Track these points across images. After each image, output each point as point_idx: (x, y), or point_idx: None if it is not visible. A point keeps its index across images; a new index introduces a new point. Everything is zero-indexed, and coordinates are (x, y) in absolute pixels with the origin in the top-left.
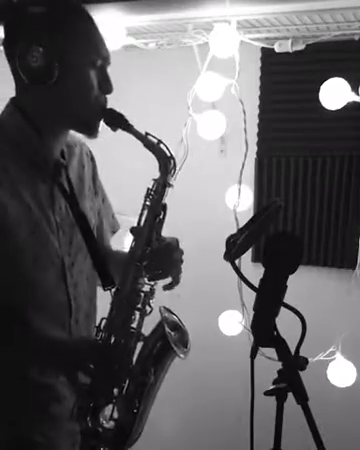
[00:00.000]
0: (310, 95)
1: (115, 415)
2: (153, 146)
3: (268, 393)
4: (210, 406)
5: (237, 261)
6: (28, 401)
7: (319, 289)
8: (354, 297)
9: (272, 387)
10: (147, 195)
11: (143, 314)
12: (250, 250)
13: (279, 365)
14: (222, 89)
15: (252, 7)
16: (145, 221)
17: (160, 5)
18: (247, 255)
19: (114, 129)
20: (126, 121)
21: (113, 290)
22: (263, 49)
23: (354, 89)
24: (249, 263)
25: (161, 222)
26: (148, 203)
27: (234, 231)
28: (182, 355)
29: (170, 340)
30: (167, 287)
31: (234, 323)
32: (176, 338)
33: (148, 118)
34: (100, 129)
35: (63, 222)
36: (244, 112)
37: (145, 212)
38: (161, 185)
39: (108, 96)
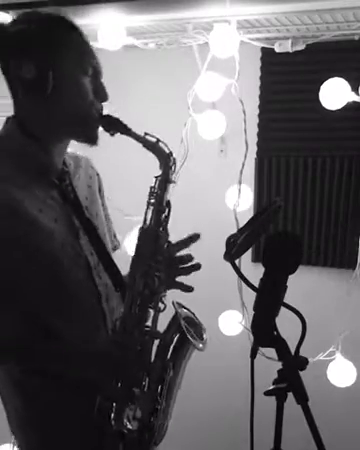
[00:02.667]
0: (310, 95)
1: (138, 415)
2: (152, 146)
3: (268, 393)
4: (210, 406)
5: (237, 261)
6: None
7: (319, 289)
8: (354, 297)
9: (272, 387)
10: (150, 193)
11: (157, 311)
12: (250, 250)
13: (279, 365)
14: (222, 89)
15: (252, 7)
16: (151, 219)
17: (160, 5)
18: (247, 255)
19: (112, 134)
20: (124, 125)
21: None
22: (263, 49)
23: (354, 89)
24: (249, 263)
25: (166, 219)
26: (152, 201)
27: (234, 231)
28: (201, 345)
29: (187, 333)
30: (188, 288)
31: (234, 323)
32: (192, 331)
33: (148, 118)
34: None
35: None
36: (244, 112)
37: (150, 210)
38: (163, 182)
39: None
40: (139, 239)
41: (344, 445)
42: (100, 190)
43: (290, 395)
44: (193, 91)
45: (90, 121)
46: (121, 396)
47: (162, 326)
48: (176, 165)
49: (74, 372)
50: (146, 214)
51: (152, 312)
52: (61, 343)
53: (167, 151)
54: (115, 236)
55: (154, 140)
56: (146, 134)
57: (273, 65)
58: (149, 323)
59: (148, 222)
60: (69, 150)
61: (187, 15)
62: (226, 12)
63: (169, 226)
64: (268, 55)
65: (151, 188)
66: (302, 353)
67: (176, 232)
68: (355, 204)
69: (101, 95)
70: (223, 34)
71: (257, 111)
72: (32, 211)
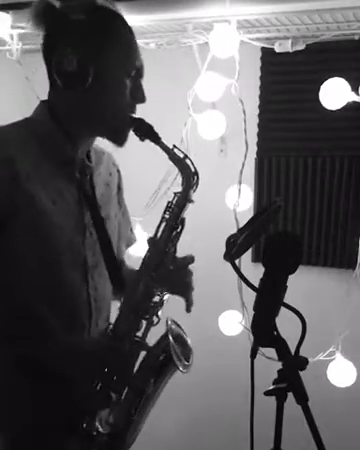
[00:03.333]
0: (310, 95)
1: (111, 420)
2: (179, 161)
3: (268, 393)
4: (210, 406)
5: (237, 261)
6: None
7: (319, 289)
8: (354, 297)
9: (272, 387)
10: (167, 208)
11: (150, 324)
12: (250, 250)
13: (279, 365)
14: (222, 89)
15: (252, 7)
16: (162, 233)
17: (160, 5)
18: (247, 255)
19: (143, 139)
20: (155, 133)
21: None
22: (263, 49)
23: (354, 89)
24: (249, 263)
25: (178, 235)
26: (167, 216)
27: (234, 231)
28: (182, 369)
29: (173, 354)
30: (187, 309)
31: (234, 323)
32: (179, 351)
33: (148, 118)
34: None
35: (90, 223)
36: (244, 112)
37: (163, 224)
38: (182, 199)
39: None
40: (148, 250)
41: (344, 445)
42: (119, 187)
43: (290, 395)
44: (193, 91)
45: (122, 122)
46: (97, 399)
47: (151, 342)
48: (198, 184)
49: (58, 367)
50: (159, 227)
51: (145, 324)
52: (52, 337)
53: (193, 170)
54: (131, 230)
55: (182, 155)
56: (175, 147)
57: (273, 65)
58: (140, 334)
59: (159, 235)
60: None
61: (187, 15)
62: (226, 12)
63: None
64: (268, 55)
65: (168, 203)
66: (302, 353)
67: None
68: (355, 204)
69: (138, 96)
70: (223, 34)
71: (257, 111)
72: (45, 202)
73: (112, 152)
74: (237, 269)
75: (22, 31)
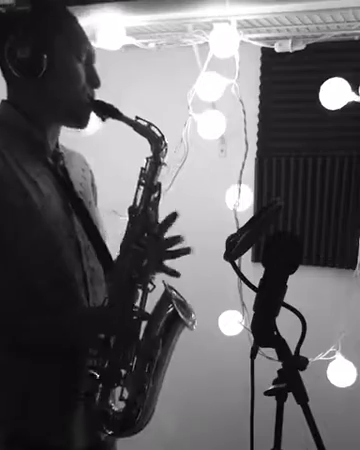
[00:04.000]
0: (310, 95)
1: (124, 396)
2: (144, 129)
3: (268, 393)
4: (210, 406)
5: (237, 261)
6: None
7: (319, 289)
8: (354, 297)
9: (272, 387)
10: (141, 174)
11: (145, 291)
12: (250, 250)
13: (279, 365)
14: (222, 89)
15: (252, 7)
16: (141, 199)
17: (160, 5)
18: (247, 255)
19: (104, 119)
20: (115, 109)
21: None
22: (263, 49)
23: (354, 89)
24: (249, 263)
25: (157, 200)
26: (143, 181)
27: (234, 231)
28: (190, 323)
29: (177, 310)
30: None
31: (234, 323)
32: (182, 309)
33: (148, 118)
34: (90, 121)
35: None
36: (244, 112)
37: (140, 191)
38: (154, 164)
39: (107, 96)
40: (129, 220)
41: (344, 445)
42: (93, 186)
43: (290, 395)
44: (193, 91)
45: (81, 105)
46: (107, 377)
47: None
48: (167, 149)
49: (68, 336)
50: (136, 194)
51: (141, 293)
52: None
53: (159, 134)
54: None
55: (145, 124)
56: (137, 118)
57: (273, 65)
58: (137, 304)
59: (138, 202)
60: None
61: (187, 15)
62: (226, 12)
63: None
64: (268, 55)
65: (142, 169)
66: (302, 353)
67: (176, 232)
68: (355, 204)
69: (93, 81)
70: (223, 34)
71: (257, 111)
72: (27, 183)
73: (102, 153)
74: (237, 269)
75: None
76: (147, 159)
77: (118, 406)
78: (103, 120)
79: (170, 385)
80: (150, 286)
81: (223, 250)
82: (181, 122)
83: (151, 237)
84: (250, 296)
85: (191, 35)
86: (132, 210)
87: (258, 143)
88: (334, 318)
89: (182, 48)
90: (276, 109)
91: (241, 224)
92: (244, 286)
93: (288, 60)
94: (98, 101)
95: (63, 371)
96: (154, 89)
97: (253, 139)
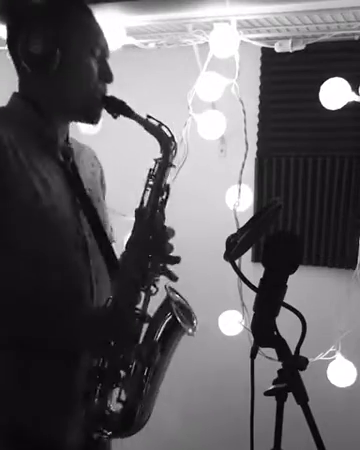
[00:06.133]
0: (310, 95)
1: (122, 398)
2: (154, 128)
3: (268, 393)
4: (210, 406)
5: (237, 261)
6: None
7: (319, 289)
8: (354, 297)
9: (272, 387)
10: (149, 175)
11: (148, 294)
12: (250, 250)
13: (279, 365)
14: (222, 89)
15: (252, 7)
16: (148, 201)
17: (160, 5)
18: (247, 255)
19: (115, 116)
20: (127, 108)
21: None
22: (263, 49)
23: (354, 89)
24: (249, 263)
25: (164, 202)
26: (150, 183)
27: (234, 231)
28: (190, 330)
29: (177, 316)
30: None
31: (234, 323)
32: (183, 316)
33: None
34: (101, 117)
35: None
36: (244, 112)
37: (147, 192)
38: (163, 165)
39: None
40: (136, 221)
41: (344, 445)
42: (102, 182)
43: (290, 395)
44: (193, 91)
45: (93, 101)
46: (106, 377)
47: (152, 312)
48: (177, 150)
49: (69, 336)
50: (143, 195)
51: (143, 295)
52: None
53: (169, 135)
54: (111, 229)
55: (156, 123)
56: (149, 117)
57: (273, 65)
58: (139, 306)
59: (145, 204)
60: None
61: (187, 15)
62: (226, 12)
63: (169, 225)
64: (268, 55)
65: (150, 170)
66: (302, 353)
67: (176, 232)
68: (355, 204)
69: (106, 76)
70: (223, 34)
71: (257, 111)
72: (36, 181)
73: (109, 152)
74: (237, 269)
75: None
76: (156, 161)
77: (116, 407)
78: (115, 118)
79: (170, 385)
80: (153, 289)
81: (223, 250)
82: (181, 122)
83: (157, 240)
84: (250, 296)
85: (191, 35)
86: (139, 212)
87: (258, 143)
88: (334, 318)
89: (182, 48)
90: (276, 109)
91: (241, 224)
92: (244, 286)
93: (288, 60)
94: (110, 97)
95: (62, 370)
96: (154, 89)
97: (253, 139)
